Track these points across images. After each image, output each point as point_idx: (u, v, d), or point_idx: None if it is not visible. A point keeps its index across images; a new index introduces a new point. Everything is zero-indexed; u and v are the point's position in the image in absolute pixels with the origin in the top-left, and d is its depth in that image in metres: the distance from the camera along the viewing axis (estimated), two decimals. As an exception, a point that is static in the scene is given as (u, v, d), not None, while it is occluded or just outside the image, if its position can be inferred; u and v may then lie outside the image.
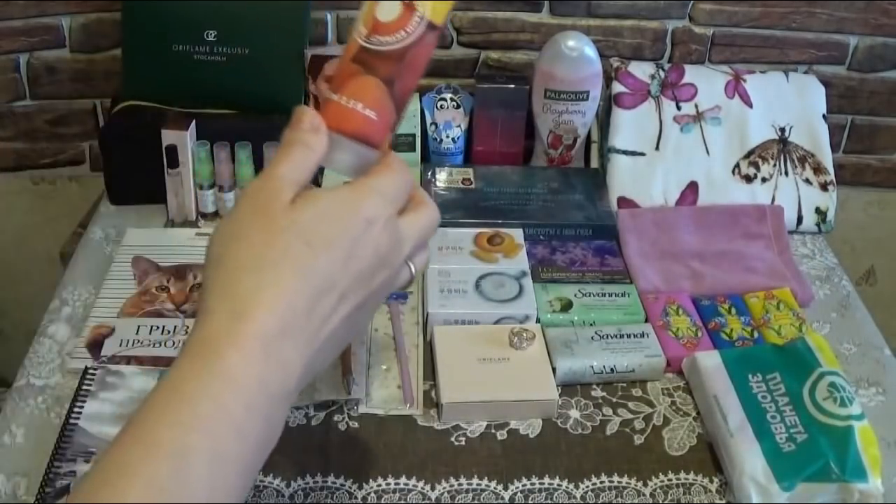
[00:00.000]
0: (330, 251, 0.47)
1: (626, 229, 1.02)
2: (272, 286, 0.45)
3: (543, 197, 1.05)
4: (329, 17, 1.15)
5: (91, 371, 0.80)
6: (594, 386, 0.85)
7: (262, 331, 0.44)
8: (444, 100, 1.10)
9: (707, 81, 1.10)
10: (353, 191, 0.49)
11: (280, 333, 0.45)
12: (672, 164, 1.07)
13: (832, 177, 1.09)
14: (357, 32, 0.51)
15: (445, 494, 0.74)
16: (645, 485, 0.75)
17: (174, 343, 0.85)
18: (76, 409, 0.76)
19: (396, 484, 0.74)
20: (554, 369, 0.83)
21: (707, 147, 1.08)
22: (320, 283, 0.47)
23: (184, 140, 0.99)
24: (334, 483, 0.74)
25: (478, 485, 0.75)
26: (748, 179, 1.07)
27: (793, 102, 1.10)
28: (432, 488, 0.74)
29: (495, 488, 0.74)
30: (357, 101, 0.50)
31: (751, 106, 1.09)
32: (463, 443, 0.78)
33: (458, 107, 1.11)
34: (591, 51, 1.05)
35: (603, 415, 0.82)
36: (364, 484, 0.74)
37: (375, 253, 0.49)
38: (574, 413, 0.82)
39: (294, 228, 0.47)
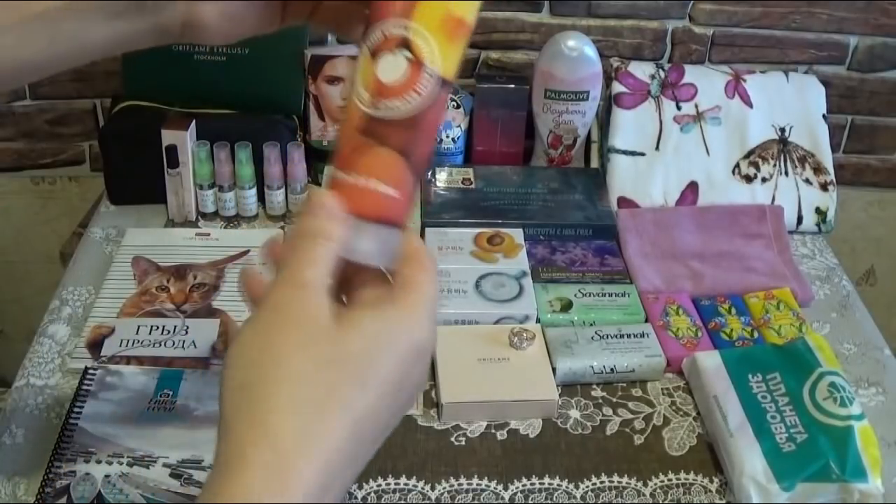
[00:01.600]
0: (381, 388, 0.41)
1: (626, 229, 1.02)
2: (319, 433, 0.39)
3: (543, 197, 1.05)
4: (329, 17, 1.15)
5: (91, 371, 0.80)
6: (594, 386, 0.85)
7: (306, 488, 0.38)
8: (444, 100, 1.10)
9: (707, 81, 1.10)
10: (404, 317, 0.43)
11: (322, 488, 0.39)
12: (672, 164, 1.07)
13: (832, 177, 1.09)
14: (358, 97, 0.43)
15: (445, 494, 0.74)
16: (645, 485, 0.75)
17: (174, 343, 0.85)
18: (76, 409, 0.76)
19: (396, 484, 0.74)
20: (554, 369, 0.83)
21: (707, 147, 1.08)
22: (368, 421, 0.41)
23: (184, 140, 0.99)
24: (334, 483, 0.74)
25: (478, 485, 0.75)
26: (748, 179, 1.07)
27: (793, 102, 1.10)
28: (432, 488, 0.74)
29: (495, 488, 0.74)
30: (374, 179, 0.43)
31: (751, 106, 1.09)
32: (463, 443, 0.78)
33: (458, 107, 1.11)
34: (591, 51, 1.05)
35: (603, 415, 0.82)
36: (364, 484, 0.74)
37: (421, 377, 0.44)
38: (574, 413, 0.82)
39: (343, 362, 0.40)
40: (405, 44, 0.42)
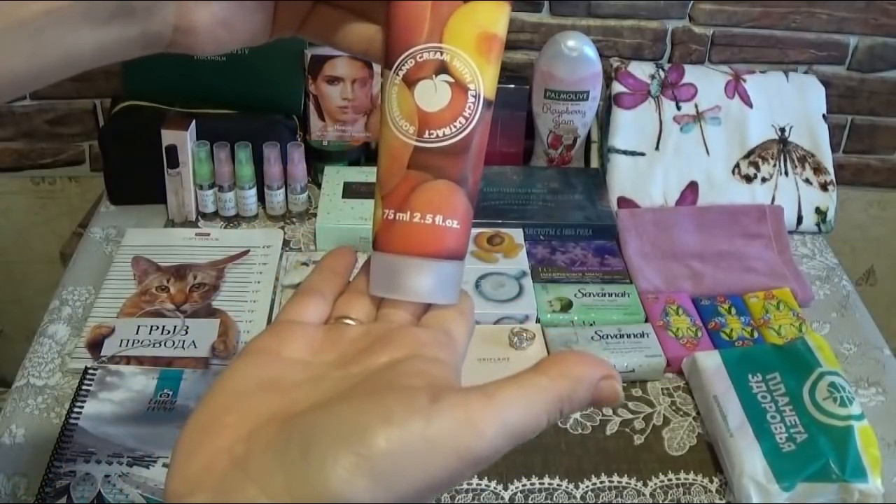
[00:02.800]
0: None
1: (626, 229, 1.02)
2: None
3: (543, 197, 1.05)
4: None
5: (91, 371, 0.80)
6: (594, 386, 0.85)
7: None
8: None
9: (707, 81, 1.10)
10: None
11: None
12: (672, 164, 1.07)
13: (832, 177, 1.09)
14: (399, 130, 0.41)
15: (445, 494, 0.74)
16: (645, 485, 0.75)
17: (174, 343, 0.85)
18: (76, 409, 0.76)
19: (396, 484, 0.74)
20: (554, 369, 0.83)
21: (707, 147, 1.08)
22: None
23: (184, 140, 0.99)
24: (334, 483, 0.74)
25: (478, 485, 0.75)
26: (748, 179, 1.07)
27: (793, 102, 1.10)
28: (432, 488, 0.74)
29: (495, 488, 0.74)
30: (434, 213, 0.41)
31: (751, 106, 1.09)
32: (463, 443, 0.78)
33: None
34: (591, 51, 1.05)
35: (603, 415, 0.82)
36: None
37: None
38: (574, 413, 0.82)
39: None
40: (443, 68, 0.40)
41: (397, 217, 0.41)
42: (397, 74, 0.41)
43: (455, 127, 0.40)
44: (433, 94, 0.40)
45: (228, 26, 0.42)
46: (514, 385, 0.33)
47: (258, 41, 0.45)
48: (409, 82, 0.40)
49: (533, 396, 0.33)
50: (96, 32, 0.39)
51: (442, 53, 0.40)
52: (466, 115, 0.40)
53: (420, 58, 0.40)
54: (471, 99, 0.40)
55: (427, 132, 0.40)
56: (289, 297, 0.42)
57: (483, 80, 0.41)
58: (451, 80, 0.40)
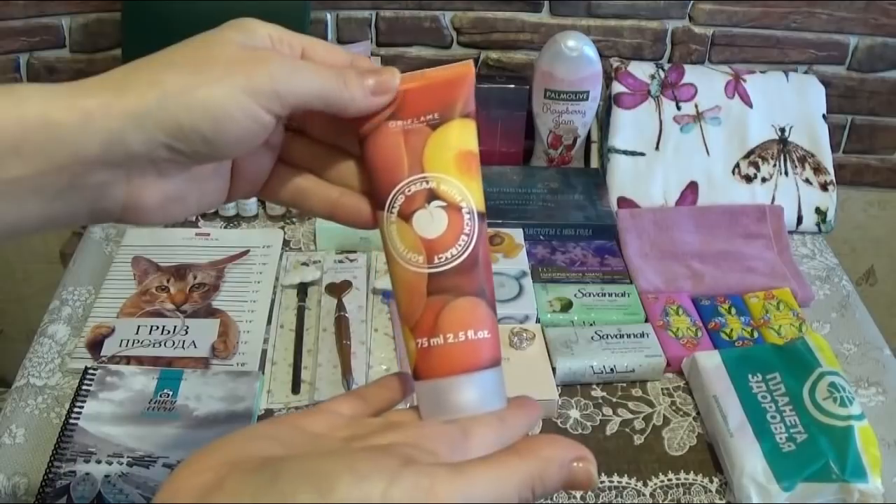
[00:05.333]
0: None
1: (626, 229, 1.02)
2: None
3: (543, 197, 1.05)
4: (329, 17, 1.15)
5: (91, 371, 0.80)
6: (594, 386, 0.85)
7: None
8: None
9: (707, 81, 1.10)
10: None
11: None
12: (672, 164, 1.07)
13: (832, 177, 1.09)
14: (409, 263, 0.43)
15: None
16: (645, 485, 0.75)
17: (174, 343, 0.85)
18: (76, 409, 0.76)
19: (396, 484, 0.74)
20: (554, 369, 0.83)
21: (707, 147, 1.08)
22: None
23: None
24: (334, 483, 0.74)
25: (478, 485, 0.75)
26: (748, 179, 1.07)
27: (793, 102, 1.10)
28: (432, 488, 0.74)
29: (495, 488, 0.74)
30: (465, 329, 0.43)
31: (751, 106, 1.09)
32: (463, 443, 0.78)
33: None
34: (591, 51, 1.05)
35: (603, 415, 0.82)
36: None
37: None
38: (574, 413, 0.82)
39: None
40: (433, 195, 0.43)
41: (432, 343, 0.43)
42: (391, 212, 0.43)
43: (460, 246, 0.43)
44: (431, 222, 0.43)
45: (181, 200, 0.43)
46: (485, 462, 0.36)
47: (213, 207, 0.47)
48: (405, 216, 0.43)
49: (503, 475, 0.36)
50: (46, 206, 0.39)
51: (428, 182, 0.43)
52: (467, 232, 0.43)
53: (409, 191, 0.43)
54: (466, 217, 0.43)
55: (436, 258, 0.43)
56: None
57: (472, 195, 0.43)
58: (444, 203, 0.43)
